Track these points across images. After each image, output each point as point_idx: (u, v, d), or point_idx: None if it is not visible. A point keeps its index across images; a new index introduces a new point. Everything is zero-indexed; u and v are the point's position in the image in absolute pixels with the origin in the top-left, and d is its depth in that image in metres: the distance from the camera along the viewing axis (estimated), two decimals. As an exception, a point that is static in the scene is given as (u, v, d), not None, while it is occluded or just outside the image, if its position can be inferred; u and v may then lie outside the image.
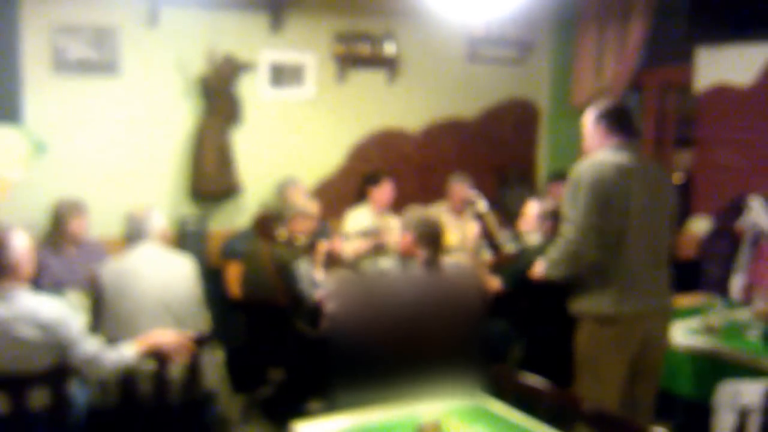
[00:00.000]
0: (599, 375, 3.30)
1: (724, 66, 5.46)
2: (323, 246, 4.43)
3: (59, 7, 4.89)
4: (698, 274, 5.07)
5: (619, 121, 3.40)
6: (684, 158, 6.29)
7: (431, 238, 3.69)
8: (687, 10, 5.51)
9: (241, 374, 4.28)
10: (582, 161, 3.38)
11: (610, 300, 3.27)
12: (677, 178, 6.41)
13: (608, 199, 3.21)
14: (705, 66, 5.58)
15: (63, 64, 4.95)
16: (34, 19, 4.84)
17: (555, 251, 3.41)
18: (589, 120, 3.48)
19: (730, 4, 5.30)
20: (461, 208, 5.80)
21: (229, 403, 4.06)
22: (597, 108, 3.48)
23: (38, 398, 2.88)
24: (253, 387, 4.66)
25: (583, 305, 3.37)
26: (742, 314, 4.01)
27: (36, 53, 4.87)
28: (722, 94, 5.47)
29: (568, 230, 3.31)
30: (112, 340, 3.15)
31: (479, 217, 5.04)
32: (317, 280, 4.07)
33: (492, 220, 5.43)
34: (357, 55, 5.90)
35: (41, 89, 4.90)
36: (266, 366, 4.62)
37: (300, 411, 4.49)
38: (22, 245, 2.94)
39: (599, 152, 3.38)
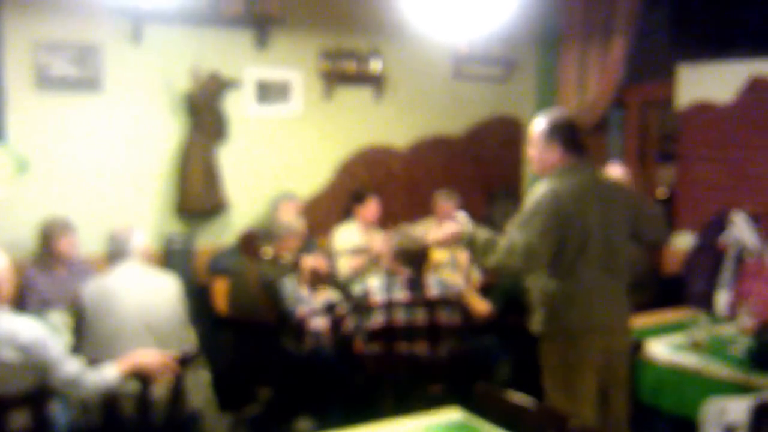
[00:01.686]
0: (570, 393, 3.26)
1: (704, 84, 5.52)
2: (308, 262, 4.42)
3: (42, 24, 4.85)
4: (683, 289, 5.09)
5: (572, 139, 3.32)
6: (668, 173, 6.34)
7: (412, 257, 3.70)
8: (668, 29, 5.59)
9: (228, 392, 4.25)
10: (540, 187, 3.29)
11: (570, 317, 3.24)
12: (661, 193, 6.45)
13: (566, 230, 3.18)
14: (686, 83, 5.64)
15: (46, 81, 4.91)
16: (16, 36, 4.80)
17: (492, 259, 3.21)
18: (538, 134, 3.37)
19: (710, 22, 5.37)
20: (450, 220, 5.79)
21: (216, 422, 4.03)
22: (546, 121, 3.36)
23: (19, 420, 2.84)
24: (240, 405, 4.63)
25: (543, 324, 3.33)
26: (728, 330, 4.01)
27: (19, 70, 4.83)
28: (703, 111, 5.53)
29: (509, 246, 3.16)
30: (94, 359, 3.12)
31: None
32: (302, 296, 4.05)
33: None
34: (343, 73, 5.91)
35: (24, 106, 4.85)
36: (253, 383, 4.59)
37: (287, 429, 4.48)
38: (1, 266, 2.91)
39: (556, 178, 3.29)
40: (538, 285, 3.31)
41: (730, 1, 5.24)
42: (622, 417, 3.42)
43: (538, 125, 3.38)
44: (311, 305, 3.90)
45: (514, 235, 3.18)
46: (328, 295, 4.48)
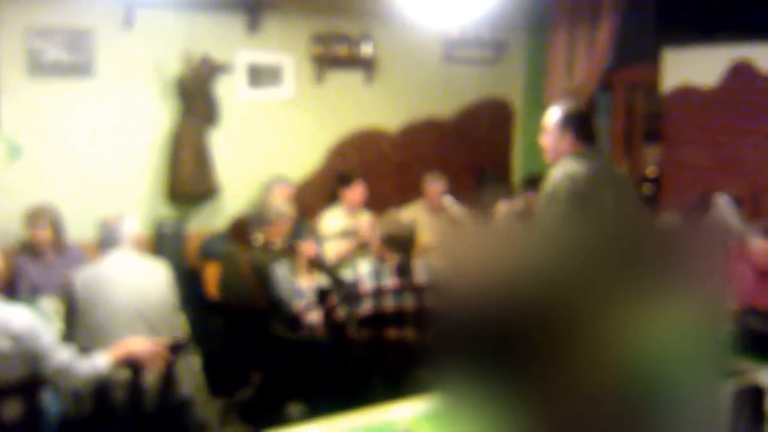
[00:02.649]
0: None
1: (689, 67, 5.56)
2: (306, 248, 4.45)
3: (34, 9, 4.87)
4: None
5: (584, 128, 3.46)
6: (655, 152, 6.38)
7: (400, 243, 3.75)
8: (654, 13, 5.61)
9: (219, 376, 4.30)
10: (554, 172, 3.39)
11: None
12: (651, 171, 6.50)
13: (583, 210, 3.25)
14: (671, 67, 5.68)
15: (38, 67, 4.93)
16: (8, 22, 4.81)
17: None
18: (553, 123, 3.52)
19: (695, 7, 5.39)
20: (437, 207, 5.86)
21: (206, 407, 4.08)
22: (561, 111, 3.51)
23: (10, 409, 2.88)
24: (231, 390, 4.68)
25: None
26: (710, 313, 4.08)
27: (10, 56, 4.85)
28: (688, 94, 5.57)
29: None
30: (86, 347, 3.16)
31: (454, 222, 5.10)
32: (299, 288, 4.09)
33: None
34: (334, 56, 5.93)
35: (16, 92, 4.88)
36: (244, 369, 4.64)
37: (278, 414, 4.53)
38: None
39: (568, 162, 3.40)
40: None
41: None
42: None
43: (553, 115, 3.51)
44: (307, 299, 3.94)
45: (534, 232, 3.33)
46: (317, 280, 4.52)
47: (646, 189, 6.39)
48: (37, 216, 4.57)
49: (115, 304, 3.45)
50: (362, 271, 3.81)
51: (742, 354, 3.55)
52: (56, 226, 4.63)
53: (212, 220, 5.59)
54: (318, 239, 5.33)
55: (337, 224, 5.58)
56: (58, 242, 4.66)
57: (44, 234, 4.57)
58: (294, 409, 4.44)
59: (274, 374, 4.38)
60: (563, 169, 3.37)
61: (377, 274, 3.74)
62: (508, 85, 6.86)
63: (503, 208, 4.53)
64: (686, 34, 5.47)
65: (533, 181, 6.12)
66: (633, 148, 6.40)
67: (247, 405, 4.58)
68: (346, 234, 5.48)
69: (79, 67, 5.06)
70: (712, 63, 5.40)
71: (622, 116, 6.34)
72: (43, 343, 2.92)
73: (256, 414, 4.49)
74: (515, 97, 6.92)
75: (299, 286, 4.04)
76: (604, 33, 5.92)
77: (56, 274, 4.50)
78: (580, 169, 3.34)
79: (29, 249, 4.61)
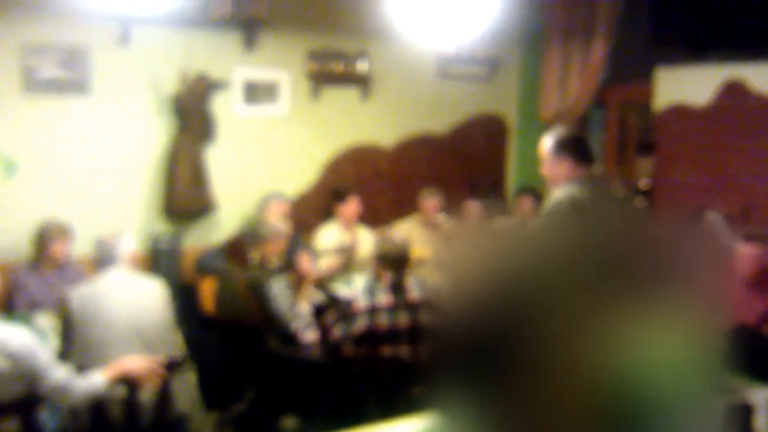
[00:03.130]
0: None
1: (682, 86, 5.62)
2: (302, 260, 4.47)
3: (30, 26, 4.89)
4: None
5: (581, 152, 3.44)
6: (648, 165, 6.42)
7: (394, 260, 3.79)
8: (647, 31, 5.67)
9: (214, 391, 4.32)
10: (556, 194, 3.37)
11: None
12: (643, 184, 6.55)
13: (584, 226, 3.26)
14: (664, 86, 5.74)
15: (34, 84, 4.94)
16: (4, 39, 4.83)
17: None
18: (548, 149, 3.51)
19: (688, 26, 5.46)
20: (432, 222, 5.90)
21: (201, 422, 4.11)
22: (555, 137, 3.51)
23: (8, 426, 2.92)
24: (226, 403, 4.70)
25: None
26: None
27: (6, 73, 4.86)
28: (680, 113, 5.63)
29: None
30: (82, 365, 3.20)
31: (448, 237, 5.15)
32: (298, 310, 4.11)
33: None
34: (330, 73, 5.98)
35: (12, 109, 4.89)
36: (240, 384, 4.66)
37: (274, 428, 4.56)
38: None
39: (569, 186, 3.38)
40: None
41: (707, 6, 5.32)
42: None
43: (546, 143, 3.49)
44: (305, 320, 3.98)
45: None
46: (313, 298, 4.55)
47: (639, 202, 6.44)
48: (56, 232, 4.59)
49: (111, 321, 3.49)
50: (357, 289, 3.85)
51: (732, 371, 3.61)
52: (70, 241, 4.66)
53: (208, 235, 5.62)
54: (313, 254, 5.37)
55: (333, 239, 5.62)
56: (69, 257, 4.69)
57: (64, 249, 4.60)
58: (288, 423, 4.47)
59: (269, 389, 4.41)
60: (564, 190, 3.36)
61: (371, 292, 3.77)
62: (503, 101, 6.92)
63: (473, 208, 4.56)
64: (679, 53, 5.54)
65: (525, 189, 6.21)
66: (626, 161, 6.46)
67: (242, 419, 4.60)
68: (342, 249, 5.52)
69: (75, 85, 5.08)
70: (705, 82, 5.46)
71: (616, 132, 6.41)
72: (41, 363, 2.95)
73: (252, 428, 4.51)
74: (509, 112, 6.98)
75: (298, 309, 4.07)
76: (598, 51, 5.99)
77: (55, 289, 4.51)
78: (581, 193, 3.32)
79: (33, 264, 4.61)
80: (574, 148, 3.45)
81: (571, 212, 3.25)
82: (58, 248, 4.59)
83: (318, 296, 4.75)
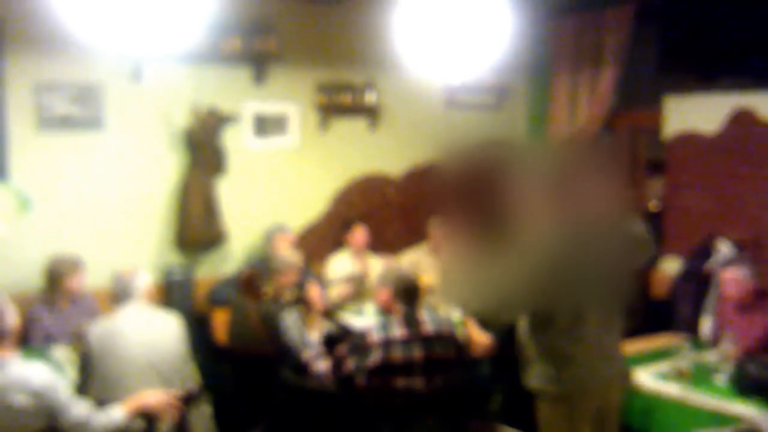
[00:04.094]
0: None
1: (691, 114, 5.68)
2: (311, 289, 4.51)
3: (43, 64, 4.97)
4: (670, 313, 5.23)
5: None
6: (658, 185, 6.44)
7: (408, 293, 3.84)
8: (656, 60, 5.74)
9: (228, 419, 4.35)
10: None
11: (569, 378, 3.21)
12: (653, 206, 6.59)
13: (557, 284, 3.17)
14: (673, 114, 5.80)
15: (47, 121, 5.01)
16: (18, 77, 4.91)
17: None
18: None
19: (697, 55, 5.52)
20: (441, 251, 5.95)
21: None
22: None
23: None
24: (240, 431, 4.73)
25: (540, 383, 3.29)
26: (711, 356, 4.13)
27: (21, 111, 4.93)
28: (690, 141, 5.68)
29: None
30: (101, 400, 3.24)
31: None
32: (309, 339, 4.15)
33: None
34: (339, 105, 6.06)
35: (26, 146, 4.96)
36: (254, 413, 4.69)
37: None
38: (12, 313, 3.03)
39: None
40: (535, 341, 3.27)
41: (716, 35, 5.39)
42: None
43: None
44: (316, 349, 4.02)
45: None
46: (323, 326, 4.59)
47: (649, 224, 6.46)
48: (71, 265, 4.64)
49: (129, 357, 3.54)
50: (369, 320, 3.88)
51: (743, 397, 3.63)
52: (83, 275, 4.71)
53: (220, 266, 5.67)
54: (322, 283, 5.42)
55: (344, 268, 5.68)
56: (82, 291, 4.74)
57: (78, 282, 4.65)
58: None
59: (282, 418, 4.44)
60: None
61: (385, 326, 3.81)
62: (511, 129, 6.98)
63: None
64: (688, 82, 5.61)
65: None
66: (636, 187, 6.52)
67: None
68: (352, 278, 5.57)
69: (88, 121, 5.14)
70: (714, 110, 5.52)
71: (625, 158, 6.46)
72: (62, 398, 2.99)
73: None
74: (518, 141, 7.03)
75: (309, 338, 4.11)
76: (606, 78, 6.05)
77: (69, 322, 4.55)
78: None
79: (47, 298, 4.65)
80: None
81: None
82: (72, 282, 4.64)
83: (329, 326, 4.79)
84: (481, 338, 4.36)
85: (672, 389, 3.79)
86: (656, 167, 6.32)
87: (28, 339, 4.47)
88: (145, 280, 3.81)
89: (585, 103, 6.27)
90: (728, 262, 4.52)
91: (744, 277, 4.31)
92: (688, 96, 5.68)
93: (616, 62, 5.97)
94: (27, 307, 4.52)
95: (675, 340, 4.54)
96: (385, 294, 3.88)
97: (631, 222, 3.44)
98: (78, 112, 5.13)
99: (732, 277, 4.35)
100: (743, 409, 3.52)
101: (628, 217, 3.44)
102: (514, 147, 6.84)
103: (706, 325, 4.67)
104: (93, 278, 4.91)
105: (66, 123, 5.09)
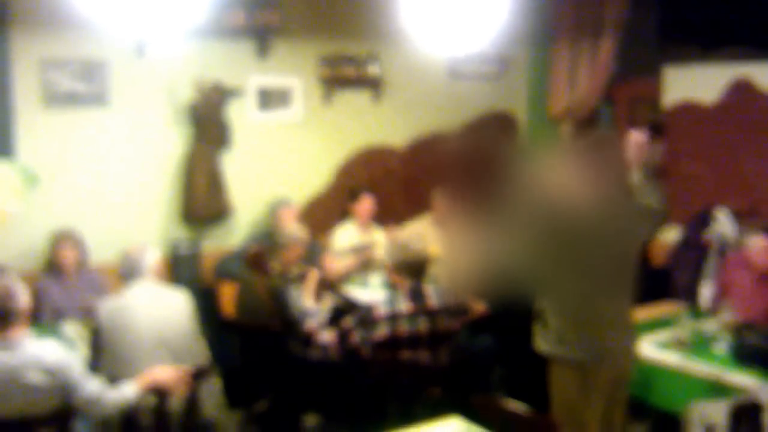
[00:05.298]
0: (578, 415, 3.32)
1: (690, 84, 5.69)
2: (314, 275, 4.58)
3: (48, 41, 4.99)
4: (669, 281, 5.29)
5: None
6: (658, 148, 6.44)
7: (414, 268, 3.90)
8: (656, 30, 5.74)
9: (236, 390, 4.43)
10: None
11: (584, 347, 3.29)
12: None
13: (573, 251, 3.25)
14: (672, 83, 5.82)
15: (53, 98, 5.04)
16: (24, 54, 4.93)
17: None
18: None
19: (696, 25, 5.52)
20: (446, 222, 5.99)
21: (225, 420, 4.22)
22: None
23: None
24: (248, 402, 4.81)
25: (553, 348, 3.37)
26: (710, 325, 4.15)
27: (26, 87, 4.96)
28: (689, 111, 5.71)
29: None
30: (112, 376, 3.33)
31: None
32: (308, 308, 4.22)
33: None
34: (342, 77, 6.07)
35: (33, 123, 5.00)
36: (261, 385, 4.77)
37: (296, 425, 4.67)
38: (23, 292, 3.09)
39: None
40: (555, 309, 3.36)
41: (715, 6, 5.38)
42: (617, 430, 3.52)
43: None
44: (319, 319, 4.08)
45: None
46: (330, 300, 4.65)
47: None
48: (61, 238, 4.77)
49: (139, 334, 3.61)
50: (375, 292, 3.92)
51: (741, 367, 3.69)
52: (79, 248, 4.81)
53: (226, 239, 5.73)
54: (331, 254, 5.48)
55: (350, 239, 5.73)
56: (81, 264, 4.83)
57: (67, 254, 4.75)
58: (311, 419, 4.57)
59: (289, 389, 4.52)
60: None
61: (391, 300, 3.88)
62: (513, 99, 7.00)
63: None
64: (687, 52, 5.62)
65: None
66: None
67: (265, 416, 4.70)
68: (358, 249, 5.63)
69: (93, 97, 5.17)
70: (713, 80, 5.54)
71: (625, 127, 6.48)
72: (75, 376, 3.07)
73: (275, 425, 4.61)
74: (519, 110, 7.06)
75: (308, 307, 4.15)
76: (607, 48, 6.06)
77: (78, 297, 4.65)
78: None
79: (53, 269, 4.77)
80: None
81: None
82: (62, 254, 4.74)
83: (333, 299, 4.82)
84: (475, 305, 4.43)
85: (671, 358, 3.83)
86: (657, 129, 6.32)
87: (38, 315, 4.54)
88: (154, 256, 3.87)
89: (585, 72, 6.29)
90: (748, 231, 4.50)
91: None
92: (688, 66, 5.69)
93: (616, 31, 5.97)
94: (35, 282, 4.60)
95: (674, 308, 4.59)
96: (391, 267, 3.95)
97: (644, 192, 3.47)
98: (83, 88, 5.16)
99: (761, 245, 4.31)
100: (742, 378, 3.57)
101: (640, 189, 3.47)
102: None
103: (706, 293, 4.70)
104: (99, 253, 4.99)
105: (71, 99, 5.12)
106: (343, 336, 3.88)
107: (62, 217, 5.02)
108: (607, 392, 3.36)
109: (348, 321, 3.93)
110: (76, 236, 4.83)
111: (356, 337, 3.84)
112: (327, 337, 3.94)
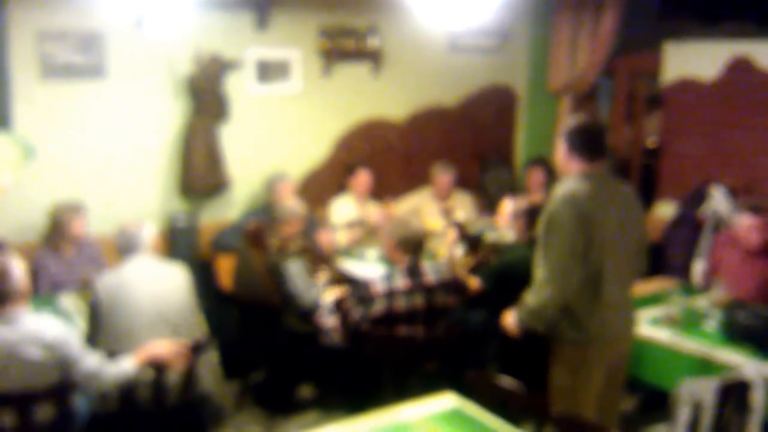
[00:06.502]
0: (577, 393, 3.36)
1: (689, 61, 5.68)
2: (323, 237, 4.57)
3: (46, 13, 4.95)
4: (662, 258, 5.33)
5: (593, 147, 3.35)
6: (656, 122, 6.46)
7: (412, 245, 3.93)
8: (657, 4, 5.72)
9: (233, 361, 4.48)
10: (556, 193, 3.34)
11: (588, 327, 3.31)
12: (651, 142, 6.64)
13: (585, 237, 3.22)
14: (671, 59, 5.81)
15: (50, 69, 5.01)
16: (21, 26, 4.89)
17: (533, 299, 3.34)
18: (563, 142, 3.42)
19: (696, 1, 5.50)
20: (445, 196, 6.02)
21: (222, 391, 4.27)
22: (570, 131, 3.39)
23: (43, 412, 3.08)
24: (245, 372, 4.87)
25: (556, 329, 3.38)
26: (702, 302, 4.19)
27: (23, 59, 4.93)
28: (687, 87, 5.71)
29: (544, 278, 3.28)
30: (111, 351, 3.36)
31: (457, 225, 5.23)
32: (321, 301, 4.25)
33: (469, 227, 5.51)
34: (342, 50, 6.05)
35: (29, 94, 4.97)
36: (258, 357, 4.82)
37: (291, 396, 4.74)
38: (20, 268, 3.12)
39: (572, 182, 3.34)
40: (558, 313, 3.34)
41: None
42: (614, 412, 3.58)
43: (563, 132, 3.44)
44: (326, 307, 4.15)
45: (539, 268, 3.30)
46: (337, 292, 4.65)
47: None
48: (73, 210, 4.74)
49: (138, 308, 3.63)
50: (372, 266, 3.95)
51: (732, 343, 3.73)
52: (87, 220, 4.81)
53: (224, 212, 5.75)
54: (329, 228, 5.52)
55: (347, 212, 5.76)
56: (86, 236, 4.84)
57: (82, 226, 4.75)
58: (307, 391, 4.62)
59: (286, 362, 4.57)
60: (564, 191, 3.32)
61: (389, 276, 3.92)
62: (512, 72, 6.99)
63: (508, 205, 4.67)
64: (687, 28, 5.59)
65: (535, 161, 6.29)
66: (634, 129, 6.56)
67: (261, 387, 4.75)
68: (355, 223, 5.66)
69: (91, 69, 5.14)
70: (712, 57, 5.53)
71: (623, 102, 6.49)
72: (74, 351, 3.11)
73: (271, 396, 4.67)
74: (519, 84, 7.05)
75: (322, 300, 4.23)
76: (607, 21, 6.04)
77: (76, 269, 4.68)
78: (583, 189, 3.28)
79: (51, 244, 4.75)
80: (588, 143, 3.35)
81: (570, 221, 3.22)
82: (76, 226, 4.73)
83: (330, 273, 4.86)
84: (469, 282, 4.48)
85: (662, 335, 3.88)
86: (655, 102, 6.33)
87: (36, 287, 4.53)
88: (151, 231, 3.89)
89: (585, 46, 6.27)
90: (738, 209, 4.53)
91: (763, 224, 4.35)
92: (688, 42, 5.68)
93: (616, 5, 5.95)
94: (32, 255, 4.62)
95: (666, 284, 4.63)
96: (390, 244, 3.99)
97: None
98: (81, 61, 5.13)
99: (751, 223, 4.37)
100: (731, 356, 3.63)
101: None
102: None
103: (698, 270, 4.73)
104: (97, 225, 5.01)
105: (69, 71, 5.09)
106: (345, 316, 3.94)
107: (59, 190, 5.02)
108: (607, 371, 3.40)
109: (347, 300, 3.97)
110: (81, 206, 4.82)
111: (356, 314, 3.90)
112: (330, 321, 4.00)
